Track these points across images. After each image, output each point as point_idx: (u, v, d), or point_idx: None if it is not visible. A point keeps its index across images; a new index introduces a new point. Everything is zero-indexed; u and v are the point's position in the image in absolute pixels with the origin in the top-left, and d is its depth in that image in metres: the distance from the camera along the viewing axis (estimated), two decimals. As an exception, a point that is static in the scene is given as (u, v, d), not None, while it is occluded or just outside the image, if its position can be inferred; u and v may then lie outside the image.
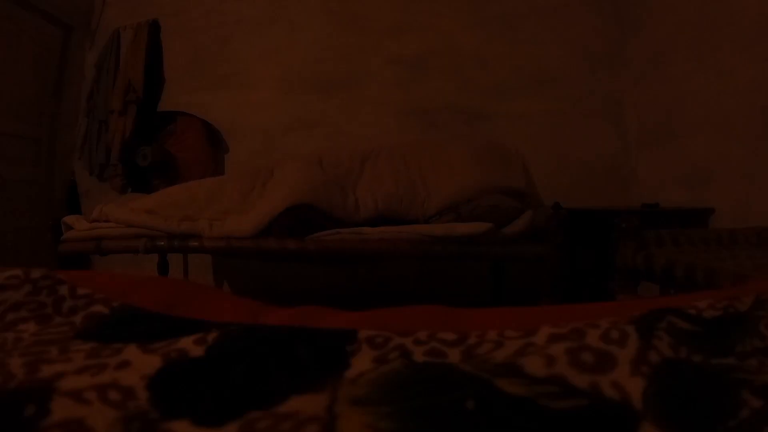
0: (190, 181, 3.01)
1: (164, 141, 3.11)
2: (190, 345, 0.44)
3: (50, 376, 0.37)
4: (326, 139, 3.07)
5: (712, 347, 0.43)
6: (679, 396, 0.34)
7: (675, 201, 2.52)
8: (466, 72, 3.09)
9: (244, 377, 0.39)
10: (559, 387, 0.34)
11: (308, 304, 0.69)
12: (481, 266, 2.70)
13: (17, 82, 2.94)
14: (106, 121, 3.12)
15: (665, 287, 1.54)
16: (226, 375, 0.39)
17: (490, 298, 2.57)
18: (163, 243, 2.06)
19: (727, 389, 0.35)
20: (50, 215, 2.58)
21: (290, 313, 0.66)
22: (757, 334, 0.44)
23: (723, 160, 2.25)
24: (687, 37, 2.50)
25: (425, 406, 0.33)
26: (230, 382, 0.38)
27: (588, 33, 3.04)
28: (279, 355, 0.43)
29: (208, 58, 3.23)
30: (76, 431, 0.31)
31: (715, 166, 2.30)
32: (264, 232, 1.93)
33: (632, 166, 2.98)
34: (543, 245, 1.96)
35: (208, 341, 0.45)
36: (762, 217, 1.92)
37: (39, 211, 3.05)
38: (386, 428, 0.31)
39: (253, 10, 3.21)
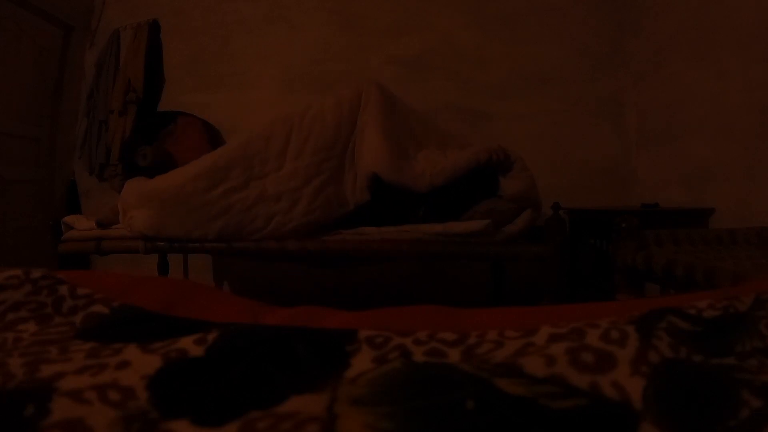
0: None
1: (164, 141, 3.11)
2: (190, 345, 0.44)
3: (50, 376, 0.37)
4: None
5: (712, 347, 0.43)
6: (679, 396, 0.34)
7: (675, 201, 2.52)
8: (466, 72, 3.09)
9: (244, 377, 0.39)
10: (559, 387, 0.34)
11: (308, 304, 0.69)
12: (481, 266, 2.70)
13: (17, 82, 2.94)
14: (106, 121, 3.12)
15: (665, 287, 1.54)
16: (226, 375, 0.39)
17: (490, 298, 2.57)
18: (163, 243, 2.06)
19: (727, 389, 0.35)
20: (50, 215, 2.58)
21: (290, 313, 0.66)
22: (757, 334, 0.44)
23: (723, 160, 2.25)
24: (687, 38, 2.50)
25: (425, 406, 0.33)
26: (230, 382, 0.38)
27: (588, 33, 3.04)
28: (279, 355, 0.43)
29: (208, 58, 3.23)
30: (76, 431, 0.31)
31: (715, 166, 2.30)
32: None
33: (632, 166, 2.98)
34: (543, 245, 1.96)
35: (208, 341, 0.45)
36: (762, 217, 1.92)
37: (39, 211, 3.05)
38: (386, 428, 0.31)
39: (253, 10, 3.21)
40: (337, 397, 0.34)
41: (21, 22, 2.90)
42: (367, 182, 1.97)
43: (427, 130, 2.22)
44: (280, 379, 0.38)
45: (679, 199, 2.51)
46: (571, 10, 3.04)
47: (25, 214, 2.99)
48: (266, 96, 3.18)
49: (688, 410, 0.33)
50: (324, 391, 0.35)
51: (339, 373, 0.39)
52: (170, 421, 0.33)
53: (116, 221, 2.19)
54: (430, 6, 3.13)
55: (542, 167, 2.27)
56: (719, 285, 1.23)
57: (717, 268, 1.30)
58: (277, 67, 3.19)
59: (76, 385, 0.35)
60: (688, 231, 1.78)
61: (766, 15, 1.98)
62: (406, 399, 0.34)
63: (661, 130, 2.73)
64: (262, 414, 0.33)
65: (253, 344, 0.45)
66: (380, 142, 1.97)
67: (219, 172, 1.98)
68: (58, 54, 3.21)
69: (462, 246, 1.95)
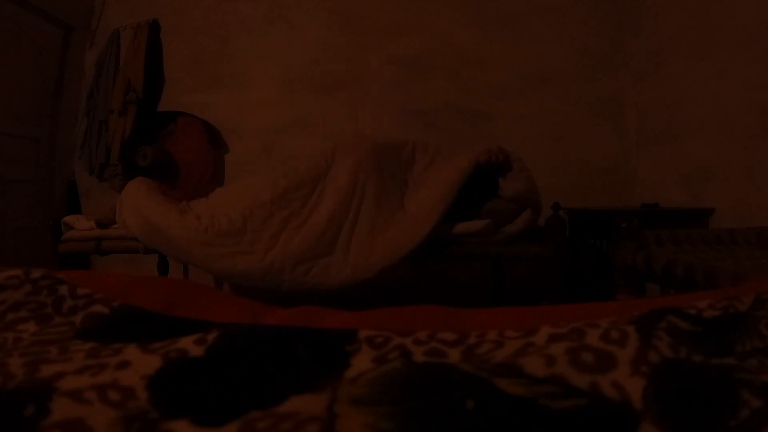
0: (192, 181, 3.01)
1: (164, 141, 3.11)
2: (190, 345, 0.44)
3: (50, 376, 0.37)
4: (326, 139, 3.07)
5: (712, 347, 0.43)
6: (679, 396, 0.33)
7: (675, 201, 2.52)
8: (466, 72, 3.09)
9: (244, 377, 0.39)
10: (559, 387, 0.34)
11: (308, 304, 0.69)
12: (481, 266, 2.69)
13: (17, 82, 2.93)
14: (106, 120, 3.12)
15: (665, 287, 1.54)
16: (226, 375, 0.39)
17: (490, 298, 2.57)
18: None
19: (727, 389, 0.35)
20: (50, 215, 2.58)
21: (290, 313, 0.66)
22: (757, 334, 0.44)
23: (723, 160, 2.25)
24: (686, 37, 2.50)
25: (425, 406, 0.33)
26: (230, 382, 0.38)
27: (588, 33, 3.04)
28: (279, 355, 0.43)
29: (208, 58, 3.23)
30: (76, 431, 0.31)
31: (715, 166, 2.30)
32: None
33: (632, 166, 2.98)
34: (543, 245, 1.96)
35: (208, 341, 0.45)
36: (762, 217, 1.92)
37: (39, 211, 3.04)
38: (386, 428, 0.31)
39: (253, 10, 3.21)
40: (337, 397, 0.34)
41: (21, 22, 2.90)
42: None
43: (407, 162, 2.20)
44: (280, 379, 0.38)
45: (679, 199, 2.51)
46: (571, 10, 3.04)
47: (25, 214, 2.99)
48: (266, 96, 3.18)
49: (688, 410, 0.33)
50: (324, 391, 0.35)
51: (339, 373, 0.39)
52: (170, 421, 0.33)
53: (116, 221, 2.19)
54: (430, 6, 3.13)
55: (542, 167, 2.26)
56: (719, 285, 1.23)
57: (717, 268, 1.30)
58: (277, 67, 3.18)
59: (76, 385, 0.35)
60: (688, 231, 1.78)
61: (766, 15, 1.98)
62: (406, 399, 0.34)
63: (661, 130, 2.73)
64: (262, 414, 0.33)
65: (253, 344, 0.45)
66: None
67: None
68: (58, 54, 3.21)
69: (462, 246, 1.95)
